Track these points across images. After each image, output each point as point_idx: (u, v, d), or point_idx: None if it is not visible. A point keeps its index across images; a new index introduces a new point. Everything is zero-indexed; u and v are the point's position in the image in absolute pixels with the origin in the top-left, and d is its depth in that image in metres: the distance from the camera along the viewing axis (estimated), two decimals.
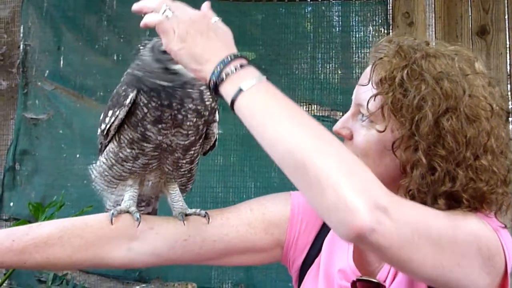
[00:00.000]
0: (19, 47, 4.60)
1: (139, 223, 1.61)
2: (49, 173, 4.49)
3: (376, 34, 4.21)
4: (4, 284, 4.12)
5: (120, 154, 1.64)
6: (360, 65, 4.16)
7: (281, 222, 1.66)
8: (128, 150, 1.63)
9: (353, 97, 1.51)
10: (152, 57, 1.57)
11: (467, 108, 1.37)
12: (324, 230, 1.64)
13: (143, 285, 3.81)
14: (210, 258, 1.67)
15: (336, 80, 4.22)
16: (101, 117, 1.66)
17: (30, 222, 2.01)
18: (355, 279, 1.49)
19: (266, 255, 1.69)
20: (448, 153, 1.37)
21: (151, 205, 1.83)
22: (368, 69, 1.47)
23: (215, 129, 1.68)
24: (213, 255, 1.66)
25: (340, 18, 4.31)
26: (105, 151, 1.69)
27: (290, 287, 3.98)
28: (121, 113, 1.59)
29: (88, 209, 3.24)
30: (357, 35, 4.24)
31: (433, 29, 3.81)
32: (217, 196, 4.16)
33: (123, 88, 1.62)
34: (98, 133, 1.70)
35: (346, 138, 1.51)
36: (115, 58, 4.46)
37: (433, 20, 3.83)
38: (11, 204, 4.52)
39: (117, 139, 1.64)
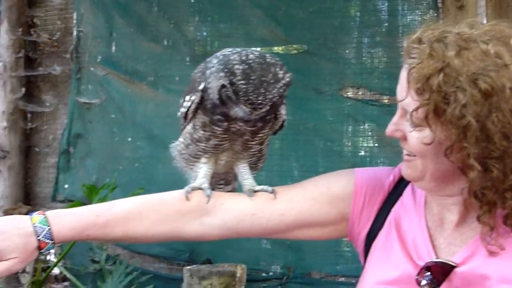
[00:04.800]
0: (72, 33, 4.72)
1: (209, 199, 1.69)
2: (102, 156, 4.61)
3: (425, 18, 4.18)
4: (59, 264, 4.23)
5: (195, 135, 1.73)
6: None
7: (345, 195, 1.70)
8: (201, 132, 1.70)
9: (398, 96, 1.51)
10: (216, 83, 1.60)
11: (511, 101, 1.37)
12: (388, 202, 1.68)
13: (194, 266, 3.88)
14: (277, 232, 1.73)
15: (383, 65, 4.22)
16: (181, 101, 1.74)
17: (84, 203, 2.11)
18: (432, 261, 1.52)
19: (332, 228, 1.74)
20: (501, 152, 1.37)
21: (230, 185, 1.90)
22: (404, 78, 1.47)
23: (283, 111, 1.72)
24: (280, 229, 1.72)
25: (387, 2, 4.29)
26: (183, 132, 1.77)
27: (337, 269, 4.06)
28: (196, 98, 1.67)
29: (139, 191, 3.33)
30: (404, 20, 4.21)
31: (485, 12, 3.77)
32: (261, 180, 4.20)
33: (198, 75, 1.69)
34: (178, 115, 1.77)
35: (400, 139, 1.54)
36: (165, 43, 4.52)
37: (484, 2, 3.78)
38: (66, 186, 4.67)
39: (193, 122, 1.72)
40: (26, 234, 1.57)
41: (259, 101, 1.55)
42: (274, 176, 3.99)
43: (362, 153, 4.19)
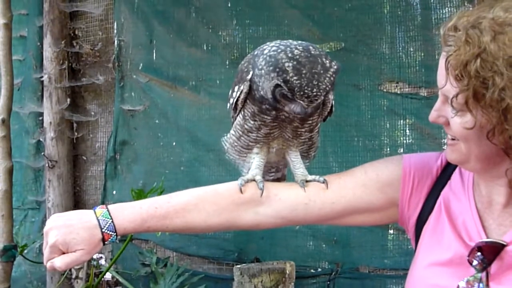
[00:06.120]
0: (113, 43, 4.81)
1: (262, 191, 1.76)
2: (148, 161, 4.69)
3: (458, 9, 4.17)
4: (111, 269, 4.32)
5: (245, 126, 1.79)
6: None
7: (394, 181, 1.75)
8: (252, 122, 1.77)
9: (438, 84, 1.55)
10: (269, 84, 1.65)
11: None
12: (436, 186, 1.73)
13: (244, 264, 3.93)
14: (330, 218, 1.81)
15: (419, 58, 4.22)
16: (229, 93, 1.80)
17: None
18: (483, 241, 1.55)
19: (383, 214, 1.80)
20: None
21: (280, 171, 1.98)
22: (442, 66, 1.50)
23: (331, 96, 1.78)
24: (333, 216, 1.79)
25: None
26: (233, 124, 1.84)
27: (385, 263, 4.08)
28: (244, 87, 1.74)
29: None
30: (438, 13, 4.21)
31: None
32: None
33: (245, 65, 1.75)
34: (228, 108, 1.83)
35: (444, 125, 1.58)
36: (204, 48, 4.57)
37: None
38: (114, 192, 4.75)
39: (242, 112, 1.79)
40: (90, 227, 1.67)
41: (314, 93, 1.61)
42: (314, 172, 4.01)
43: (403, 147, 4.19)
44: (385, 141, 4.22)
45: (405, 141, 4.18)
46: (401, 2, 4.25)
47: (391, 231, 4.08)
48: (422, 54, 4.17)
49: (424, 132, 4.02)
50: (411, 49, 4.21)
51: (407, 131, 4.17)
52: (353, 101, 4.19)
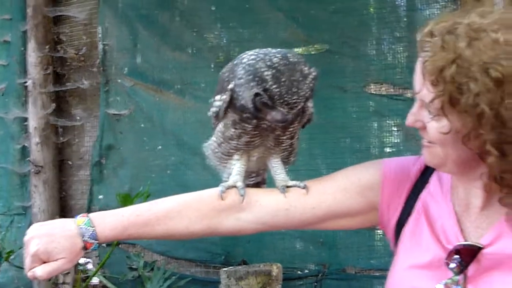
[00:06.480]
0: (98, 47, 4.78)
1: (243, 198, 1.78)
2: (134, 165, 4.68)
3: (443, 11, 4.18)
4: (98, 273, 4.31)
5: (226, 133, 1.81)
6: None
7: (374, 185, 1.77)
8: (233, 130, 1.79)
9: (415, 89, 1.56)
10: (249, 94, 1.67)
11: None
12: (415, 190, 1.74)
13: (231, 267, 3.94)
14: (311, 223, 1.83)
15: (404, 59, 4.23)
16: (211, 101, 1.82)
17: None
18: (460, 244, 1.57)
19: (364, 218, 1.82)
20: None
21: (260, 175, 2.00)
22: (419, 71, 1.52)
23: (310, 104, 1.80)
24: (314, 220, 1.81)
25: None
26: (215, 131, 1.86)
27: (372, 264, 4.09)
28: (226, 97, 1.76)
29: None
30: (423, 14, 4.22)
31: (502, 3, 3.77)
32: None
33: (226, 75, 1.77)
34: (209, 115, 1.86)
35: (420, 129, 1.60)
36: (189, 51, 4.57)
37: None
38: (100, 197, 4.74)
39: (223, 120, 1.81)
40: (72, 236, 1.69)
41: (294, 100, 1.63)
42: (302, 175, 4.01)
43: (389, 148, 4.21)
44: (372, 142, 4.24)
45: (392, 142, 4.19)
46: (387, 4, 4.26)
47: (377, 232, 4.09)
48: (408, 56, 4.19)
49: (410, 133, 4.03)
50: (397, 51, 4.23)
51: (394, 132, 4.19)
52: (338, 103, 4.20)
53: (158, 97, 4.63)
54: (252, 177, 1.98)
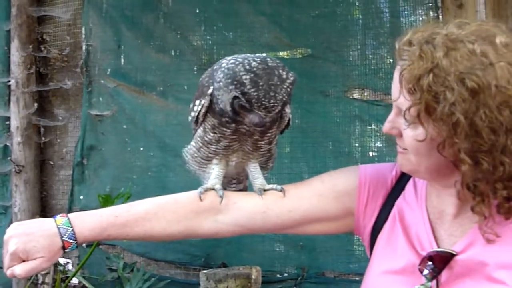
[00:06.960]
0: (81, 47, 4.79)
1: (222, 199, 1.80)
2: (115, 166, 4.68)
3: (426, 18, 4.21)
4: (78, 274, 4.30)
5: (205, 138, 1.84)
6: None
7: (350, 191, 1.80)
8: (211, 134, 1.82)
9: (392, 96, 1.59)
10: (228, 97, 1.70)
11: (497, 97, 1.41)
12: (391, 196, 1.77)
13: (210, 270, 3.95)
14: (288, 227, 1.84)
15: (387, 65, 4.25)
16: (190, 107, 1.84)
17: None
18: (434, 250, 1.59)
19: (339, 223, 1.84)
20: (490, 146, 1.44)
21: (242, 183, 2.03)
22: (397, 79, 1.54)
23: (288, 109, 1.82)
24: (291, 224, 1.83)
25: (388, 4, 4.32)
26: (194, 136, 1.88)
27: (350, 268, 4.11)
28: (205, 102, 1.79)
29: None
30: (406, 20, 4.25)
31: (484, 10, 3.80)
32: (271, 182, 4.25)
33: (206, 80, 1.79)
34: (189, 120, 1.88)
35: (396, 136, 1.63)
36: (172, 53, 4.58)
37: (483, 0, 3.80)
38: (81, 197, 4.74)
39: (203, 125, 1.84)
40: (50, 235, 1.69)
41: (271, 104, 1.65)
42: (284, 179, 4.03)
43: (371, 153, 4.23)
44: (353, 147, 4.26)
45: (373, 147, 4.22)
46: (370, 10, 4.28)
47: (356, 237, 4.11)
48: (390, 61, 4.21)
49: (391, 139, 4.04)
50: (379, 57, 4.25)
51: (374, 137, 4.21)
52: (320, 108, 4.22)
53: (141, 98, 4.63)
54: (233, 184, 2.01)
